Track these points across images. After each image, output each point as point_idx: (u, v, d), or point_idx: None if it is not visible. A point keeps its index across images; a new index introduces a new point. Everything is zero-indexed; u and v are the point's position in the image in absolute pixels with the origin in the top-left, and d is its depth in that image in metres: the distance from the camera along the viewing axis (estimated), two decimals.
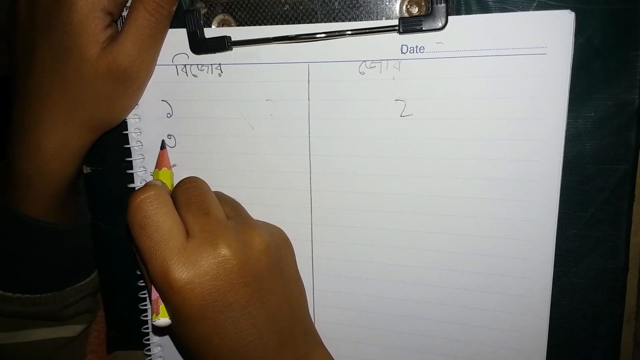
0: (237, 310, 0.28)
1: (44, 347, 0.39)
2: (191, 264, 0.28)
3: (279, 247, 0.32)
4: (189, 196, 0.30)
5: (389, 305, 0.34)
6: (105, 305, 0.41)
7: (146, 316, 0.38)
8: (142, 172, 0.36)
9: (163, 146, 0.35)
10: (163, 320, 0.29)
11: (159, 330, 0.37)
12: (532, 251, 0.30)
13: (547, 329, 0.31)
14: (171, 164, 0.35)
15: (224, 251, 0.28)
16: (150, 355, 0.39)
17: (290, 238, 0.34)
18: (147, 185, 0.30)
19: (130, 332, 0.40)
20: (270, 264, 0.30)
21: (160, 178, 0.33)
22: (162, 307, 0.29)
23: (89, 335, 0.43)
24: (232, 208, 0.32)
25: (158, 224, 0.28)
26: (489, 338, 0.32)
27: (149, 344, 0.39)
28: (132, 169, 0.36)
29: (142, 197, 0.29)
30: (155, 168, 0.34)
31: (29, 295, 0.36)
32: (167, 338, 0.39)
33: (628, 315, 0.31)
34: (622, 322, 0.31)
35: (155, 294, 0.29)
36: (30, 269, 0.36)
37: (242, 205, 0.34)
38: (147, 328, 0.39)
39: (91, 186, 0.38)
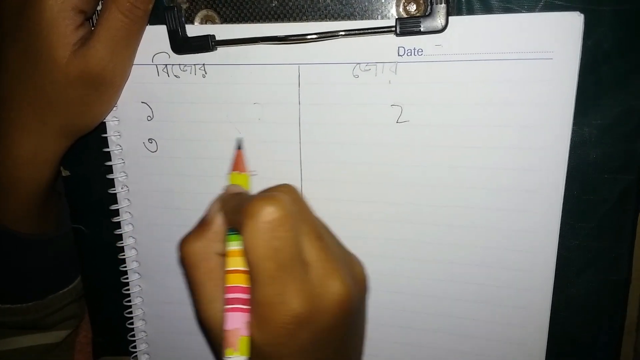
0: (329, 348, 0.26)
1: (28, 354, 0.38)
2: (310, 298, 0.25)
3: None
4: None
5: (385, 316, 0.33)
6: (90, 312, 0.40)
7: (132, 323, 0.37)
8: (122, 177, 0.34)
9: (240, 145, 0.31)
10: (238, 357, 0.25)
11: None
12: (533, 263, 0.29)
13: (545, 342, 0.30)
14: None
15: (341, 289, 0.25)
16: None
17: None
18: (272, 199, 0.24)
19: (116, 338, 0.39)
20: (364, 298, 0.29)
21: (237, 183, 0.30)
22: (242, 341, 0.25)
23: (78, 334, 0.42)
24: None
25: (289, 248, 0.24)
26: (487, 349, 0.31)
27: (135, 351, 0.38)
28: (112, 173, 0.34)
29: (279, 215, 0.24)
30: (233, 170, 0.30)
31: (9, 306, 0.35)
32: (154, 345, 0.38)
33: (629, 327, 0.30)
34: (623, 334, 0.30)
35: (232, 325, 0.25)
36: (9, 279, 0.35)
37: None
38: (134, 336, 0.37)
39: (71, 189, 0.37)
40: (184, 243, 0.27)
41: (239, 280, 0.25)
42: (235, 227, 0.26)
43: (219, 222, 0.27)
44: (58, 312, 0.38)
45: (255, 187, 0.32)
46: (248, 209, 0.24)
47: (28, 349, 0.38)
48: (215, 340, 0.27)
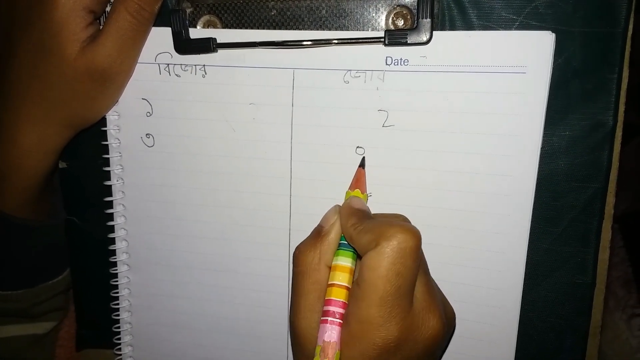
0: None
1: (13, 344, 0.38)
2: (409, 327, 0.26)
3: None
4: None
5: None
6: (75, 303, 0.40)
7: (118, 315, 0.38)
8: (118, 170, 0.36)
9: (363, 164, 0.32)
10: None
11: None
12: (504, 264, 0.31)
13: (515, 340, 0.32)
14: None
15: (438, 323, 0.27)
16: (120, 355, 0.39)
17: (268, 243, 0.34)
18: (412, 230, 0.26)
19: (100, 330, 0.39)
20: (449, 339, 0.31)
21: None
22: (337, 355, 0.26)
23: (60, 329, 0.42)
24: None
25: (409, 278, 0.26)
26: (460, 346, 0.33)
27: (119, 344, 0.38)
28: (108, 166, 0.36)
29: (414, 245, 0.26)
30: (355, 189, 0.31)
31: (1, 292, 0.36)
32: (138, 338, 0.38)
33: (593, 329, 0.32)
34: (588, 336, 0.32)
35: (330, 337, 0.26)
36: (1, 265, 0.36)
37: (226, 209, 0.34)
38: (119, 327, 0.38)
39: (66, 181, 0.38)
40: (299, 251, 0.29)
41: (341, 296, 0.27)
42: (357, 245, 0.27)
43: (334, 235, 0.28)
44: (46, 302, 0.38)
45: (249, 185, 0.34)
46: (387, 231, 0.26)
47: (15, 338, 0.38)
48: (302, 347, 0.28)
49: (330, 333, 0.26)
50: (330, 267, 0.28)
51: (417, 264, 0.26)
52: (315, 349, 0.26)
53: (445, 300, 0.30)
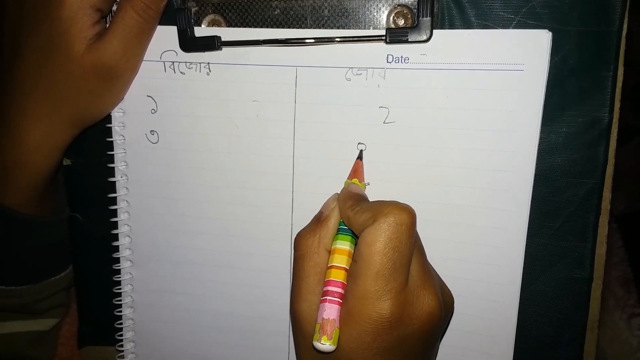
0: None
1: (16, 341, 0.38)
2: (404, 304, 0.26)
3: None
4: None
5: None
6: (78, 300, 0.40)
7: (120, 311, 0.38)
8: (123, 166, 0.36)
9: (360, 156, 0.33)
10: (330, 346, 0.26)
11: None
12: (503, 258, 0.32)
13: (514, 334, 0.32)
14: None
15: (433, 301, 0.27)
16: (122, 351, 0.39)
17: (270, 239, 0.35)
18: (408, 208, 0.27)
19: (102, 327, 0.39)
20: (447, 323, 0.31)
21: None
22: (336, 332, 0.26)
23: (62, 327, 0.42)
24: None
25: (405, 254, 0.26)
26: (459, 340, 0.33)
27: (121, 340, 0.39)
28: (113, 162, 0.36)
29: (410, 222, 0.26)
30: (353, 178, 0.32)
31: (3, 287, 0.36)
32: (140, 334, 0.39)
33: (591, 324, 0.32)
34: (586, 331, 0.32)
35: (329, 315, 0.26)
36: (5, 260, 0.36)
37: (229, 205, 0.35)
38: (121, 323, 0.38)
39: (71, 178, 0.38)
40: (300, 236, 0.30)
41: (340, 276, 0.27)
42: (355, 224, 0.28)
43: (333, 220, 0.29)
44: (48, 298, 0.38)
45: (252, 181, 0.35)
46: (384, 209, 0.26)
47: (17, 334, 0.38)
48: (302, 330, 0.28)
49: (329, 311, 0.26)
50: (329, 251, 0.28)
51: (412, 241, 0.27)
52: (315, 327, 0.26)
53: (443, 284, 0.30)
